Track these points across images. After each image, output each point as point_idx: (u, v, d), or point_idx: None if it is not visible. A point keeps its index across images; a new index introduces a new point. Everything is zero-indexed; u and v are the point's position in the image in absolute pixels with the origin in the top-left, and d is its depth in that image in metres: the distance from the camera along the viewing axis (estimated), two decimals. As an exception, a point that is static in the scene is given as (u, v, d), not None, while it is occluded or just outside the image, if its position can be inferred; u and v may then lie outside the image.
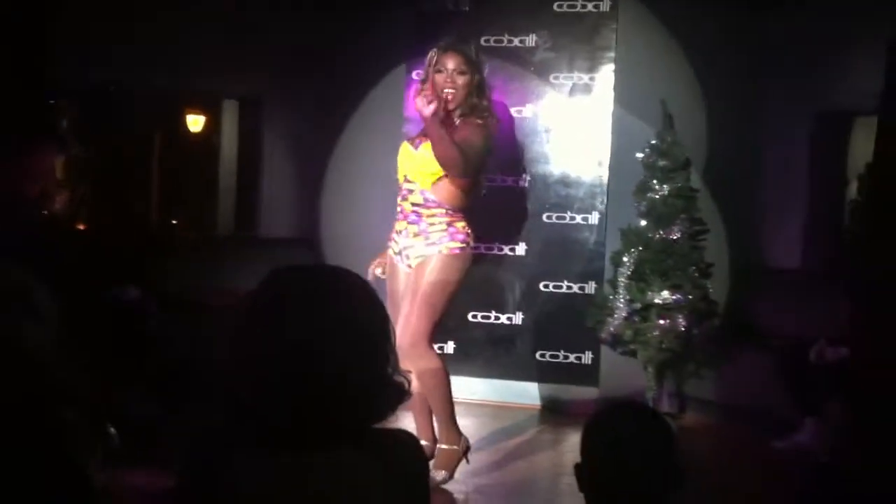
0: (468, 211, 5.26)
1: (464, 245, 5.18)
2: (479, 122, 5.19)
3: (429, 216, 5.15)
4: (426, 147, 5.14)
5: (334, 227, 7.88)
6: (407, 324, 5.09)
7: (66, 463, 2.18)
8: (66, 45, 7.32)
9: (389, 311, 5.20)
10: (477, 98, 5.22)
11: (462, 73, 5.17)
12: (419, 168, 5.16)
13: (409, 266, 5.22)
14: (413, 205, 5.18)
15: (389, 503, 1.90)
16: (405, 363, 5.05)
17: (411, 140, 5.36)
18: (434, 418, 5.28)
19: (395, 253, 5.29)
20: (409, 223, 5.19)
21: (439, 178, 5.12)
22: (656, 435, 2.30)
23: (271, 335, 1.89)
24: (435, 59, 5.22)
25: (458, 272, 5.17)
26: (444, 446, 5.24)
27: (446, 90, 5.14)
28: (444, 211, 5.15)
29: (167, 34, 7.55)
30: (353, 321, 1.92)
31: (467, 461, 5.30)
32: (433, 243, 5.14)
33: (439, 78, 5.17)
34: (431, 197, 5.15)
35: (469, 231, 5.22)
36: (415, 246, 5.18)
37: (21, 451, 2.11)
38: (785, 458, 5.94)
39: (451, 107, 5.17)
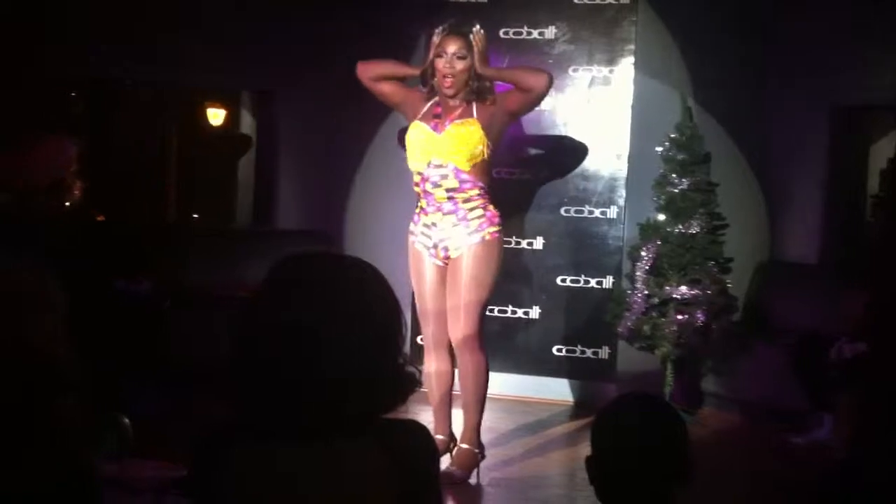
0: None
1: (500, 228, 5.20)
2: (495, 102, 5.21)
3: (465, 201, 5.11)
4: (459, 128, 5.10)
5: (353, 219, 7.84)
6: (457, 318, 5.09)
7: (68, 452, 2.18)
8: (84, 37, 7.33)
9: (417, 305, 5.23)
10: (478, 81, 5.16)
11: (461, 57, 5.12)
12: (454, 150, 5.09)
13: (447, 258, 5.18)
14: (448, 190, 5.11)
15: (399, 493, 1.88)
16: (458, 354, 5.09)
17: (423, 121, 5.23)
18: (464, 415, 5.24)
19: (428, 247, 5.22)
20: (444, 214, 5.14)
21: (481, 161, 5.12)
22: (665, 427, 2.27)
23: (280, 323, 1.87)
24: (437, 43, 5.18)
25: (500, 258, 5.21)
26: (465, 446, 5.21)
27: (445, 76, 5.11)
28: (478, 193, 5.12)
29: (184, 27, 7.55)
30: (362, 310, 1.90)
31: (478, 470, 5.28)
32: (475, 231, 5.12)
33: (440, 63, 5.13)
34: (467, 177, 5.10)
35: (499, 213, 5.23)
36: (454, 237, 5.14)
37: (26, 441, 2.10)
38: (803, 453, 5.90)
39: (451, 91, 5.13)
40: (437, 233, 5.17)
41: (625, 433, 2.25)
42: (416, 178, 5.20)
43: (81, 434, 2.27)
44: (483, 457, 5.29)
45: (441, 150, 5.11)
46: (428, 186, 5.14)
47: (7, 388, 2.16)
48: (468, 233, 5.11)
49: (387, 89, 5.40)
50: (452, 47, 5.12)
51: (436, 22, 6.79)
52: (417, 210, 5.29)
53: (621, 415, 2.32)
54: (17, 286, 2.28)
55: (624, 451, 2.23)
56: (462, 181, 5.09)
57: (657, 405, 2.39)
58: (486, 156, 5.13)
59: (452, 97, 5.15)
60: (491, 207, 5.17)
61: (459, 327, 5.08)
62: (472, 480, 5.20)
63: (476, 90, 5.16)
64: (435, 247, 5.19)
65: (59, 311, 2.35)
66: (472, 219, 5.11)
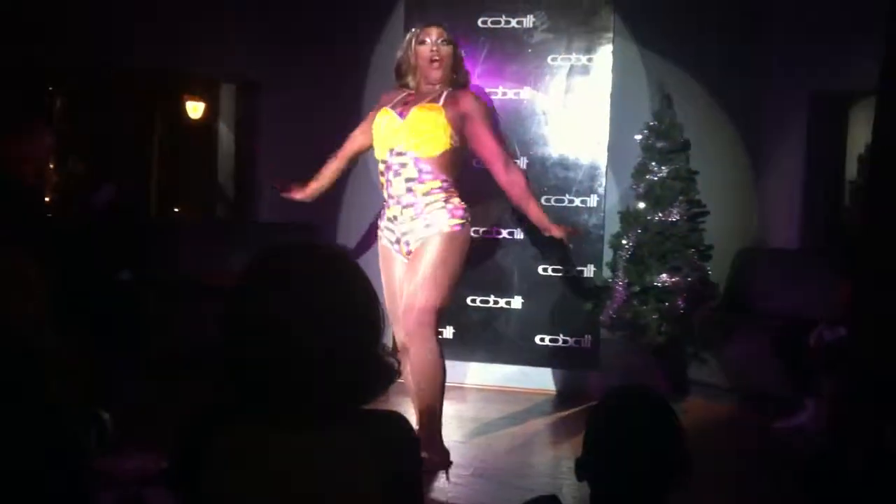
0: (460, 181, 5.15)
1: (463, 221, 5.02)
2: (469, 99, 5.09)
3: (424, 194, 4.94)
4: (422, 111, 4.97)
5: (348, 213, 7.77)
6: (411, 305, 4.87)
7: (61, 442, 2.18)
8: (64, 28, 7.30)
9: (387, 304, 5.05)
10: (457, 73, 5.18)
11: (447, 42, 5.11)
12: (414, 136, 4.93)
13: (410, 253, 5.02)
14: (407, 181, 4.94)
15: (378, 483, 1.89)
16: (409, 344, 4.92)
17: (391, 107, 5.11)
18: (417, 420, 4.98)
19: (392, 242, 5.08)
20: (403, 207, 4.97)
21: (445, 151, 4.96)
22: (663, 422, 2.25)
23: (259, 313, 1.88)
24: (417, 34, 5.13)
25: (460, 250, 5.01)
26: (424, 455, 4.76)
27: (433, 60, 5.07)
28: (439, 185, 4.96)
29: (166, 17, 7.52)
30: (340, 300, 1.91)
31: (448, 477, 4.98)
32: (430, 224, 4.94)
33: (423, 49, 5.09)
34: (427, 167, 4.93)
35: (465, 206, 5.07)
36: (414, 230, 4.96)
37: (16, 431, 2.10)
38: (785, 438, 5.93)
39: (438, 74, 5.09)
40: (399, 226, 5.02)
41: (623, 431, 2.24)
42: (381, 168, 5.06)
43: (70, 420, 2.28)
44: (450, 463, 5.06)
45: (402, 135, 4.96)
46: (390, 175, 4.99)
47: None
48: (425, 225, 4.95)
49: (356, 147, 5.46)
50: (435, 34, 5.10)
51: (414, 9, 6.85)
52: (383, 203, 5.16)
53: (618, 412, 2.31)
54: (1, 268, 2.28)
55: (622, 448, 2.22)
56: (421, 171, 4.94)
57: (652, 400, 2.37)
58: (451, 146, 4.98)
59: (440, 82, 5.09)
60: (455, 200, 5.01)
61: (413, 315, 4.84)
62: (458, 460, 5.13)
63: (454, 81, 5.14)
64: (398, 241, 5.05)
65: (41, 299, 2.35)
66: (431, 212, 4.94)
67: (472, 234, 5.19)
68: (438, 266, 4.91)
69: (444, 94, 5.07)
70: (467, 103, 5.05)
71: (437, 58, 5.06)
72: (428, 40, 5.08)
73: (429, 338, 4.87)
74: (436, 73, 5.08)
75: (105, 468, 3.40)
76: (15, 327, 2.20)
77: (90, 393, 2.67)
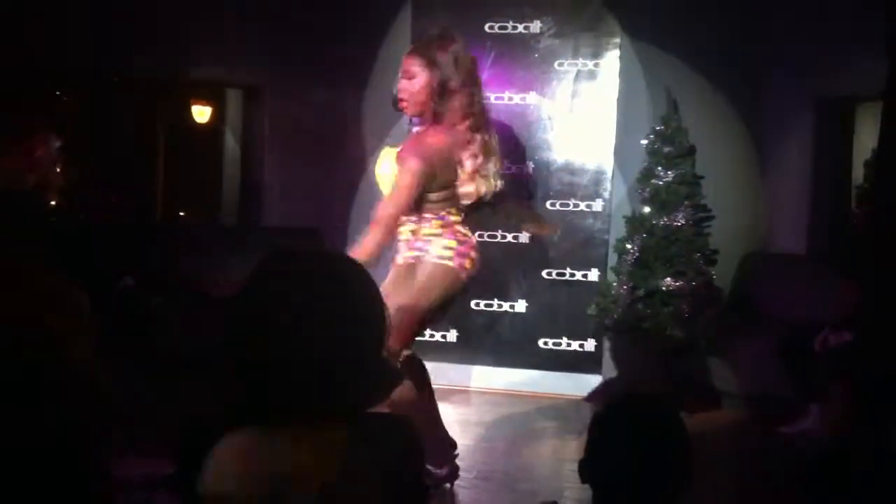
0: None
1: (447, 258, 4.60)
2: (404, 152, 4.59)
3: (410, 232, 4.65)
4: (383, 155, 4.75)
5: (359, 218, 7.74)
6: None
7: (71, 446, 2.19)
8: (68, 33, 7.31)
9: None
10: (440, 100, 4.63)
11: (413, 77, 4.62)
12: (381, 182, 4.74)
13: None
14: None
15: (379, 485, 1.89)
16: None
17: (394, 146, 4.80)
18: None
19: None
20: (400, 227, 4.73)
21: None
22: (666, 428, 2.25)
23: (264, 317, 1.88)
24: (402, 64, 4.73)
25: (432, 285, 4.59)
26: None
27: (403, 98, 4.66)
28: (431, 218, 4.63)
29: (171, 21, 7.53)
30: (345, 304, 1.91)
31: (452, 484, 4.84)
32: (417, 249, 4.64)
33: (401, 84, 4.68)
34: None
35: (464, 240, 4.64)
36: (407, 256, 4.71)
37: (26, 435, 2.11)
38: (790, 444, 5.92)
39: (409, 113, 4.73)
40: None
41: (626, 434, 2.25)
42: None
43: (81, 426, 2.28)
44: (457, 476, 4.88)
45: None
46: None
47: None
48: (400, 256, 4.68)
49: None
50: (408, 66, 4.65)
51: (419, 15, 6.87)
52: None
53: (621, 415, 2.31)
54: (11, 273, 2.27)
55: (625, 451, 2.22)
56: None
57: (655, 404, 2.37)
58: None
59: (417, 116, 4.72)
60: (449, 235, 4.61)
61: None
62: (461, 464, 5.07)
63: (438, 113, 4.64)
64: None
65: (56, 308, 2.34)
66: (421, 238, 4.60)
67: (476, 237, 4.92)
68: (411, 295, 4.55)
69: (412, 137, 4.75)
70: (400, 155, 4.60)
71: (405, 96, 4.67)
72: (404, 74, 4.68)
73: None
74: (406, 112, 4.75)
75: (114, 472, 3.40)
76: (27, 334, 2.20)
77: (102, 401, 2.68)
